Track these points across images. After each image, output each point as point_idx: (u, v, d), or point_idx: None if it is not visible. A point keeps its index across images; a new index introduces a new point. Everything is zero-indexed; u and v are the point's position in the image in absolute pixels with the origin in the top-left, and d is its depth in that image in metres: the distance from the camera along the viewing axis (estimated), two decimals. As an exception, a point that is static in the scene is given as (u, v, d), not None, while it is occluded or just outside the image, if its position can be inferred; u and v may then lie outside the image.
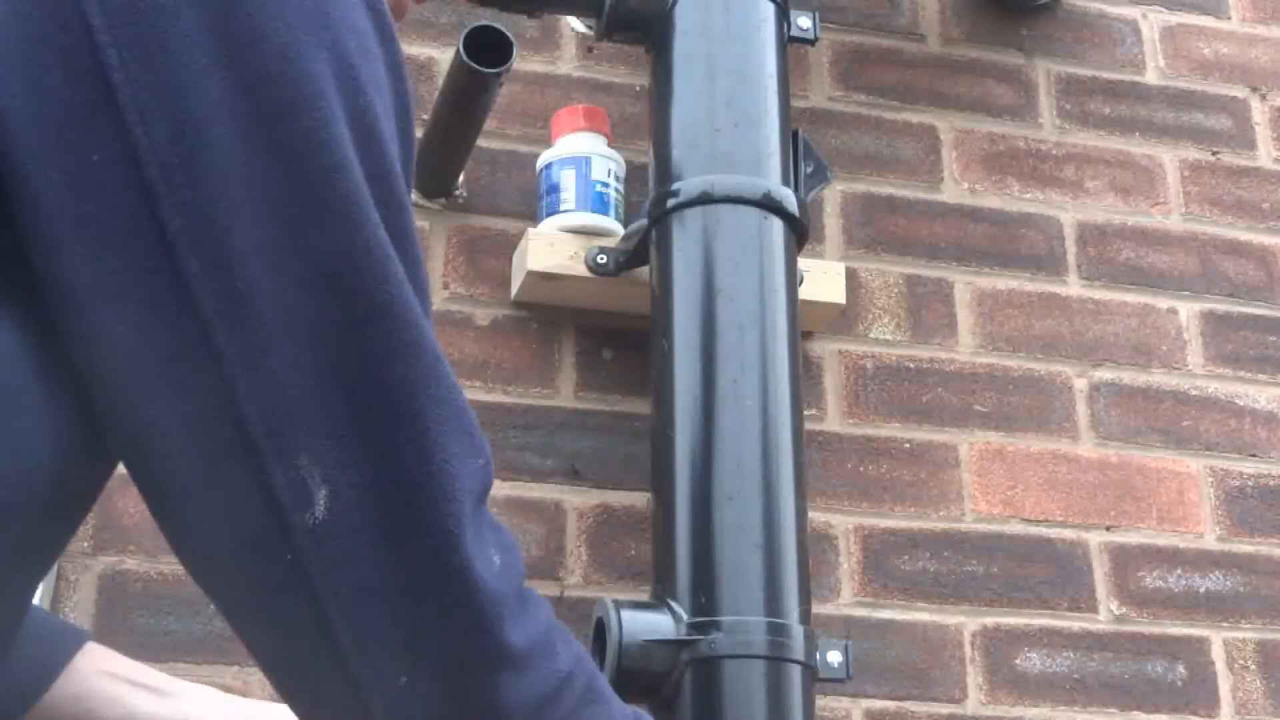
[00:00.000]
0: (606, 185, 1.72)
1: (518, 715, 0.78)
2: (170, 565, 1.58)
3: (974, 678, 1.74)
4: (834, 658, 1.48)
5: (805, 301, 1.68)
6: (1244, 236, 2.05)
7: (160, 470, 0.73)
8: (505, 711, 0.78)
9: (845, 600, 1.74)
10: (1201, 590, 1.84)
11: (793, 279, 1.58)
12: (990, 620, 1.77)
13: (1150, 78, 2.11)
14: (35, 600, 1.44)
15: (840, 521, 1.77)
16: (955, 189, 1.97)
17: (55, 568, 1.52)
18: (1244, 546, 1.88)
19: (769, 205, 1.57)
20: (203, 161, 0.68)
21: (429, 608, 0.74)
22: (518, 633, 0.77)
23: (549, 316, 1.77)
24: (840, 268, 1.81)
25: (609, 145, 1.75)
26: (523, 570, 0.80)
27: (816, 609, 1.58)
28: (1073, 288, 1.96)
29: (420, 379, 0.74)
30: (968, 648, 1.75)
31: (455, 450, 0.75)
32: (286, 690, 0.80)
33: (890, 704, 1.70)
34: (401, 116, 0.77)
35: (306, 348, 0.70)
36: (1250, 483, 1.91)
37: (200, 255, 0.68)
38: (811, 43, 1.74)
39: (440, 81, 1.72)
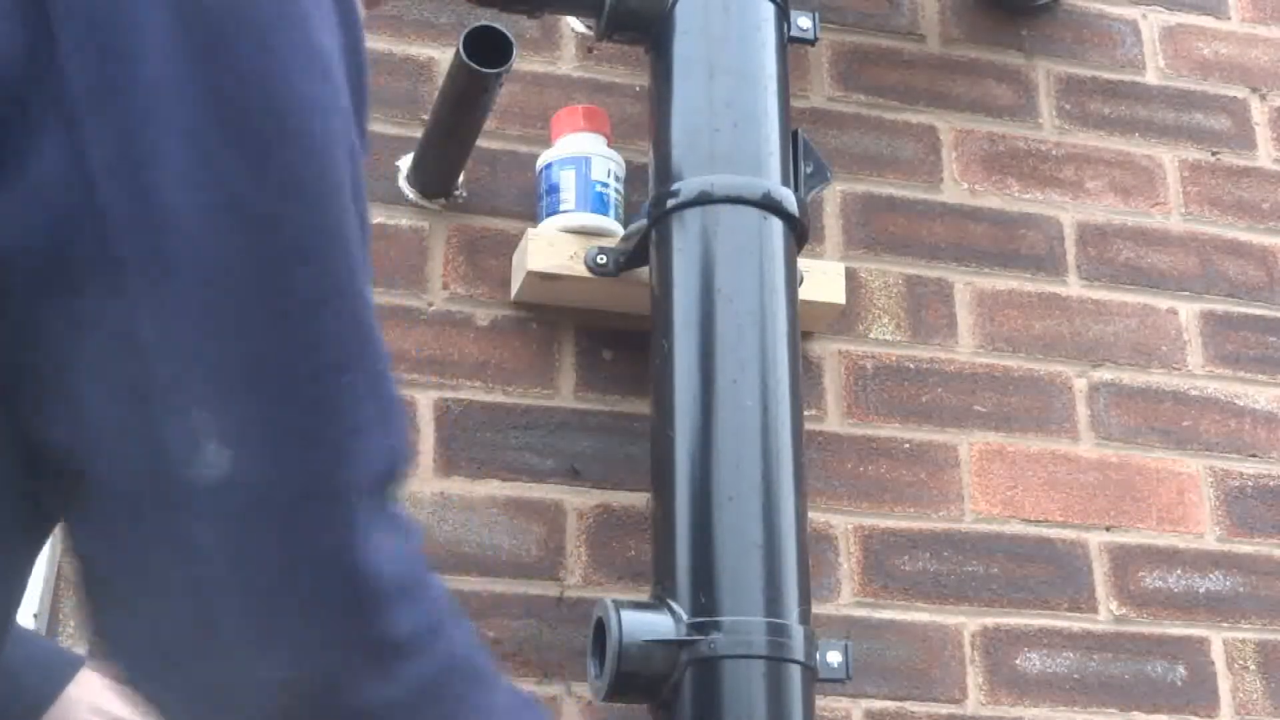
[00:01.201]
0: (606, 185, 1.72)
1: (404, 702, 0.73)
2: (170, 565, 1.58)
3: (974, 678, 1.74)
4: (834, 658, 1.48)
5: (805, 301, 1.68)
6: (1244, 237, 2.05)
7: (60, 416, 0.68)
8: (390, 699, 0.73)
9: (845, 600, 1.74)
10: (1201, 590, 1.84)
11: (793, 279, 1.58)
12: (990, 620, 1.77)
13: (1150, 78, 2.11)
14: (35, 604, 1.44)
15: (840, 521, 1.77)
16: (955, 189, 1.97)
17: (56, 569, 1.52)
18: (1244, 547, 1.88)
19: (769, 205, 1.57)
20: (130, 89, 0.66)
21: (312, 587, 0.69)
22: (406, 618, 0.72)
23: (549, 317, 1.77)
24: (840, 268, 1.81)
25: (609, 145, 1.75)
26: (419, 558, 0.75)
27: (816, 609, 1.58)
28: (1073, 288, 1.96)
29: (338, 336, 0.70)
30: (968, 648, 1.75)
31: (362, 422, 0.70)
32: (148, 676, 0.73)
33: (890, 704, 1.70)
34: (353, 66, 0.73)
35: (218, 290, 0.67)
36: (1250, 483, 1.91)
37: (117, 188, 0.65)
38: (811, 43, 1.74)
39: (440, 82, 1.72)
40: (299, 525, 0.69)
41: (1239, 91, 2.14)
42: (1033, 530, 1.82)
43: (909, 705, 1.71)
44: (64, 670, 0.96)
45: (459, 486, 1.67)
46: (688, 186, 1.57)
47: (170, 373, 0.66)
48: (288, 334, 0.69)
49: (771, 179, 1.58)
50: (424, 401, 1.70)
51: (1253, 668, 1.82)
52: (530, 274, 1.70)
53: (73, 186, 0.66)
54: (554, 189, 1.72)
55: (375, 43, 1.84)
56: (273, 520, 0.68)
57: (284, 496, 0.68)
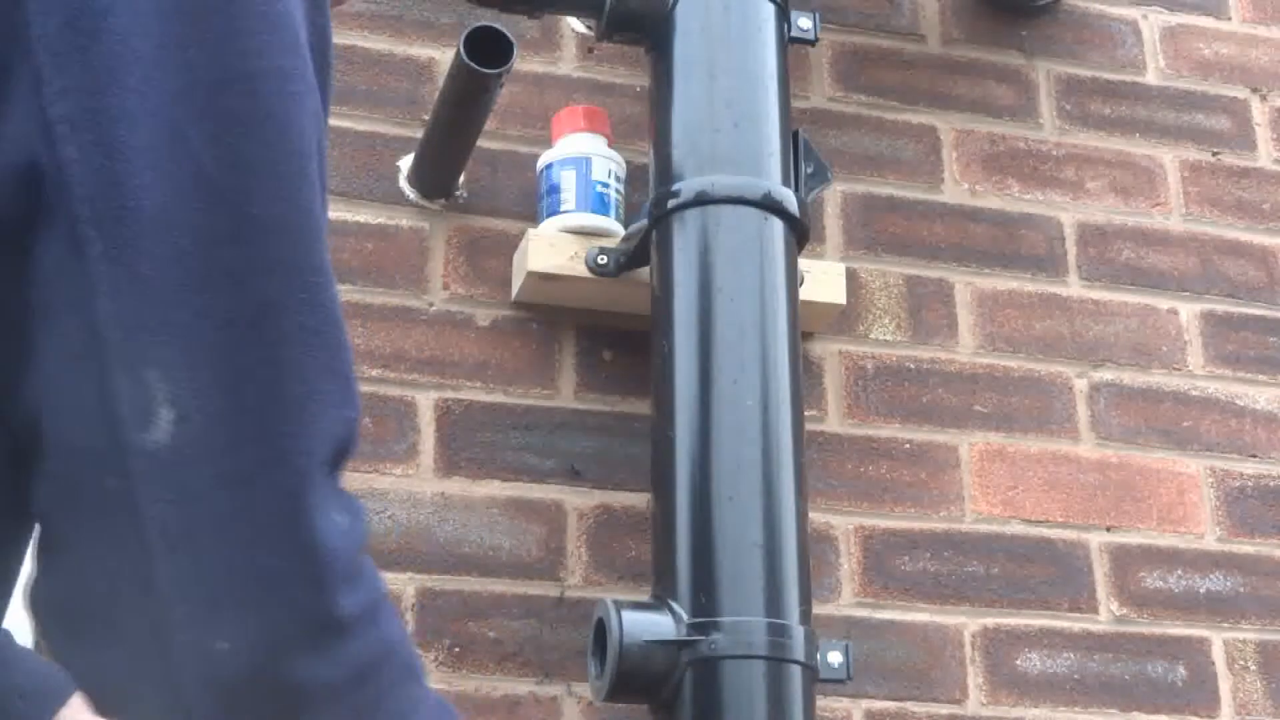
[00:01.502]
0: (607, 186, 1.72)
1: (340, 682, 0.72)
2: (170, 566, 1.58)
3: (974, 678, 1.74)
4: (834, 658, 1.48)
5: (805, 302, 1.68)
6: (1244, 237, 2.05)
7: (24, 383, 0.68)
8: (327, 678, 0.71)
9: (845, 601, 1.74)
10: (1202, 591, 1.84)
11: (793, 279, 1.58)
12: (991, 621, 1.77)
13: (1150, 78, 2.11)
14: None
15: (840, 522, 1.77)
16: (955, 189, 1.97)
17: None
18: (1244, 547, 1.88)
19: (769, 206, 1.57)
20: (97, 45, 0.66)
21: (263, 557, 0.68)
22: (350, 598, 0.71)
23: (549, 317, 1.77)
24: (840, 268, 1.81)
25: (609, 146, 1.75)
26: (365, 538, 0.74)
27: (817, 609, 1.58)
28: (1073, 288, 1.96)
29: (295, 303, 0.69)
30: (968, 648, 1.75)
31: (320, 390, 0.70)
32: (88, 644, 0.72)
33: (891, 704, 1.70)
34: (316, 30, 0.73)
35: (176, 251, 0.66)
36: (1250, 483, 1.91)
37: (79, 142, 0.65)
38: (812, 43, 1.74)
39: (440, 82, 1.72)
40: (254, 493, 0.67)
41: (1239, 92, 2.14)
42: (1033, 530, 1.82)
43: (909, 706, 1.71)
44: (52, 697, 0.93)
45: (459, 486, 1.67)
46: (688, 187, 1.57)
47: (125, 334, 0.66)
48: (245, 300, 0.68)
49: (772, 179, 1.58)
50: (424, 402, 1.70)
51: (1253, 668, 1.82)
52: (531, 274, 1.70)
53: (34, 139, 0.66)
54: (554, 189, 1.72)
55: (376, 43, 1.84)
56: (227, 487, 0.67)
57: (239, 463, 0.67)
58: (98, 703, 0.72)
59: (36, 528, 0.79)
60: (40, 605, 0.72)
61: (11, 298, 0.67)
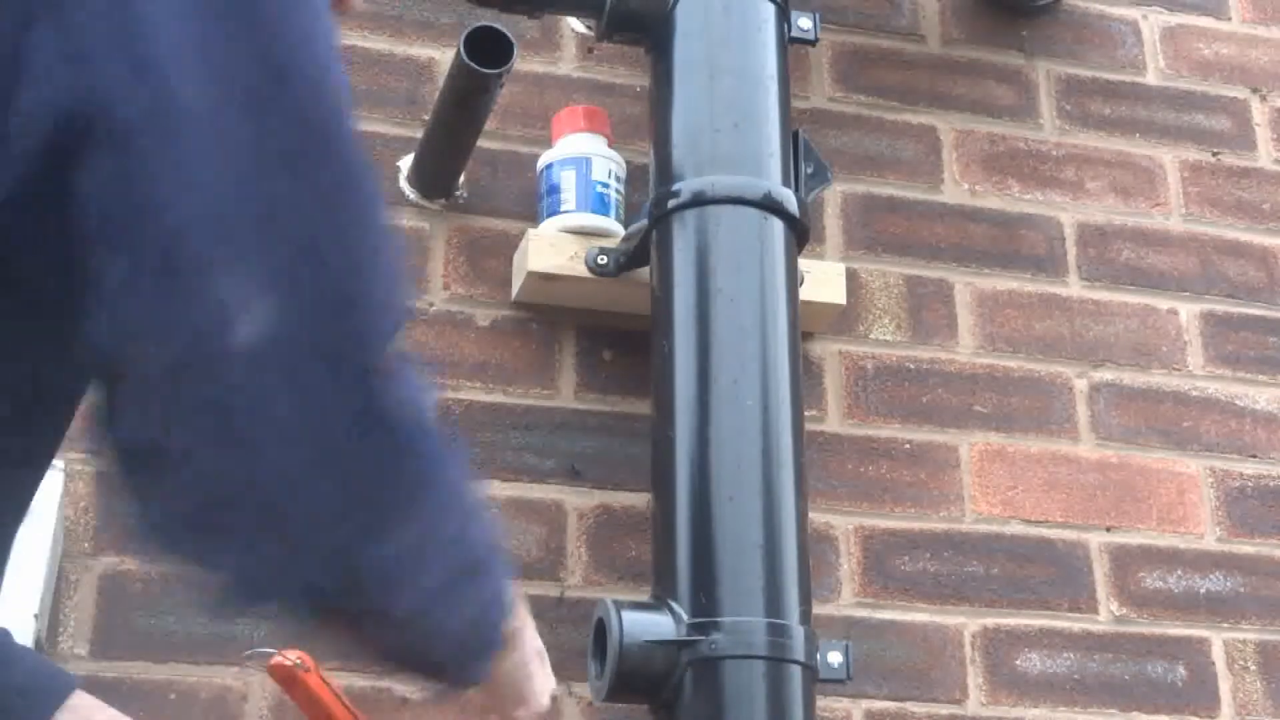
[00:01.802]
0: (607, 186, 1.72)
1: (402, 557, 0.77)
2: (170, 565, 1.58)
3: (974, 678, 1.74)
4: (834, 658, 1.48)
5: (805, 302, 1.68)
6: (1244, 237, 2.05)
7: (93, 308, 0.69)
8: (396, 553, 0.77)
9: (845, 601, 1.74)
10: (1201, 591, 1.84)
11: (793, 280, 1.59)
12: (990, 621, 1.77)
13: (1150, 78, 2.11)
14: (35, 604, 1.44)
15: (840, 522, 1.77)
16: (955, 190, 1.97)
17: (56, 569, 1.52)
18: (1244, 547, 1.88)
19: (769, 206, 1.57)
20: None
21: (357, 441, 0.72)
22: (450, 469, 0.78)
23: (549, 317, 1.77)
24: (840, 268, 1.81)
25: (609, 146, 1.75)
26: (433, 411, 0.80)
27: (817, 609, 1.58)
28: (1073, 288, 1.96)
29: (346, 187, 0.72)
30: (968, 648, 1.75)
31: (380, 273, 0.73)
32: (198, 549, 0.75)
33: (891, 704, 1.70)
34: None
35: (238, 162, 0.67)
36: (1250, 484, 1.91)
37: (114, 62, 0.66)
38: (812, 43, 1.74)
39: (441, 82, 1.72)
40: (331, 377, 0.70)
41: (1239, 92, 2.14)
42: (1033, 531, 1.82)
43: (909, 706, 1.71)
44: (53, 696, 0.93)
45: (459, 487, 1.67)
46: (688, 187, 1.57)
47: (191, 238, 0.67)
48: (299, 185, 0.69)
49: (772, 179, 1.58)
50: (424, 402, 1.69)
51: (1253, 668, 1.82)
52: (531, 274, 1.70)
53: (68, 67, 0.66)
54: (554, 189, 1.72)
55: (376, 43, 1.84)
56: (310, 374, 0.69)
57: (316, 350, 0.70)
58: (219, 597, 0.76)
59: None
60: (158, 528, 0.76)
61: (61, 233, 0.67)
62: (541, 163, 1.75)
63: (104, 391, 0.73)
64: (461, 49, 1.58)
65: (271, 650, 1.01)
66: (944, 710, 1.71)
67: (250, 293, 0.68)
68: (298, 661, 1.00)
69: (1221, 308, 2.00)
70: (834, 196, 1.91)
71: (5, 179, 0.67)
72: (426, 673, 0.93)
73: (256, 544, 0.73)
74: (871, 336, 1.87)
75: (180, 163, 0.67)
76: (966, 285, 1.92)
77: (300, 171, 0.70)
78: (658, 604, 1.45)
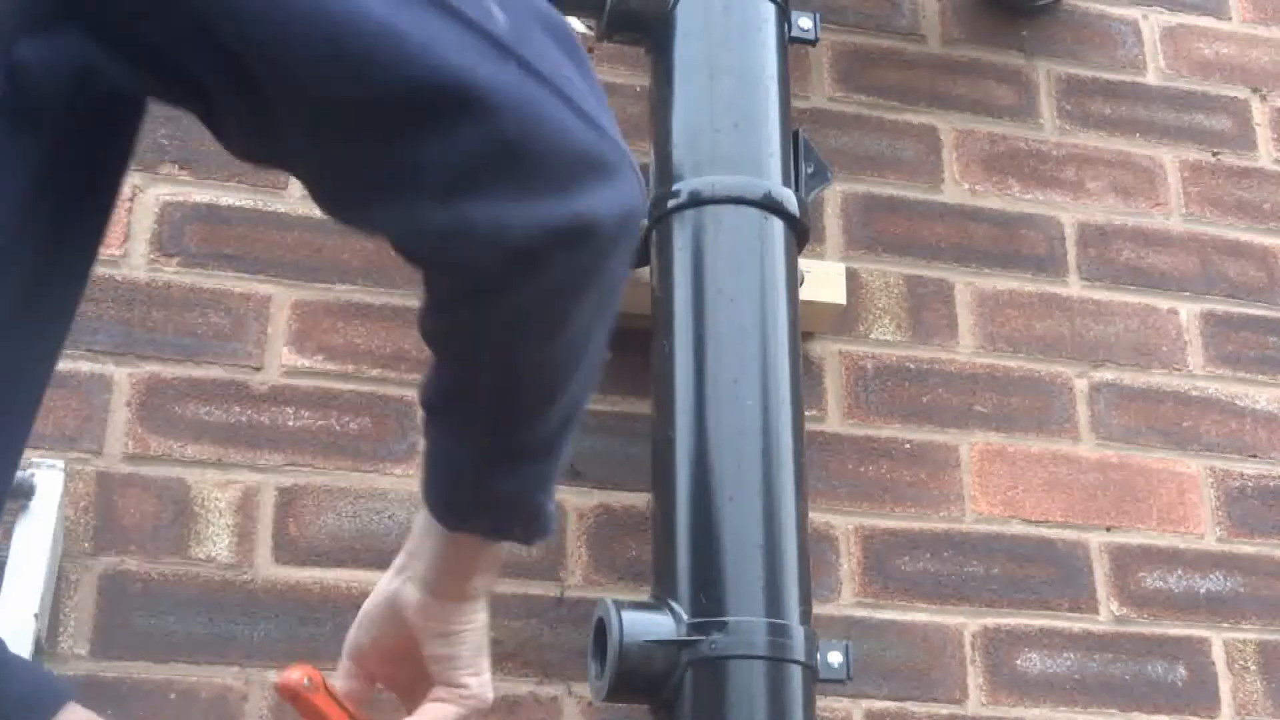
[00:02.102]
0: (607, 186, 1.72)
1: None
2: (170, 565, 1.58)
3: (974, 678, 1.74)
4: (834, 658, 1.48)
5: (806, 302, 1.68)
6: (1244, 237, 2.05)
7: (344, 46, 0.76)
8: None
9: (846, 601, 1.74)
10: (1202, 591, 1.84)
11: (793, 280, 1.59)
12: (991, 621, 1.77)
13: (1151, 78, 2.11)
14: (35, 604, 1.44)
15: (841, 522, 1.77)
16: (956, 190, 1.97)
17: (56, 569, 1.52)
18: (1244, 547, 1.88)
19: (769, 206, 1.57)
20: None
21: (589, 68, 0.84)
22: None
23: (549, 317, 1.76)
24: (841, 268, 1.81)
25: (609, 146, 1.75)
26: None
27: (817, 609, 1.58)
28: (1073, 288, 1.96)
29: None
30: (968, 648, 1.75)
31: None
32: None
33: (891, 704, 1.70)
34: None
35: None
36: (1250, 483, 1.91)
37: None
38: (812, 43, 1.75)
39: (441, 82, 1.72)
40: (563, 29, 0.82)
41: (1240, 92, 2.14)
42: (1033, 531, 1.82)
43: (909, 705, 1.71)
44: (45, 706, 0.92)
45: (459, 487, 1.66)
46: (688, 187, 1.57)
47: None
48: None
49: (772, 179, 1.59)
50: (424, 402, 1.70)
51: (1253, 668, 1.82)
52: (531, 274, 1.70)
53: None
54: (555, 189, 1.72)
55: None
56: (553, 34, 0.81)
57: (537, 8, 0.81)
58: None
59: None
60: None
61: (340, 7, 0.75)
62: (542, 163, 1.75)
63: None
64: (462, 49, 1.58)
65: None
66: (944, 710, 1.71)
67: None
68: (306, 681, 1.00)
69: (1222, 308, 2.00)
70: (834, 196, 1.91)
71: None
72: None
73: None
74: (872, 336, 1.87)
75: None
76: (967, 285, 1.92)
77: None
78: (658, 604, 1.45)
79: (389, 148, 0.77)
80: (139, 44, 0.77)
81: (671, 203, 1.57)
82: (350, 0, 0.75)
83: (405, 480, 1.66)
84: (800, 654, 1.42)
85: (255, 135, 0.81)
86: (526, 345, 0.88)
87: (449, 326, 0.88)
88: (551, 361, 0.90)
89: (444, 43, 0.76)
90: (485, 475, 0.96)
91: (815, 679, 1.45)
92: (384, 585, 1.06)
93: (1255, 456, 1.93)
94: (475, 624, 1.04)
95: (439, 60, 0.76)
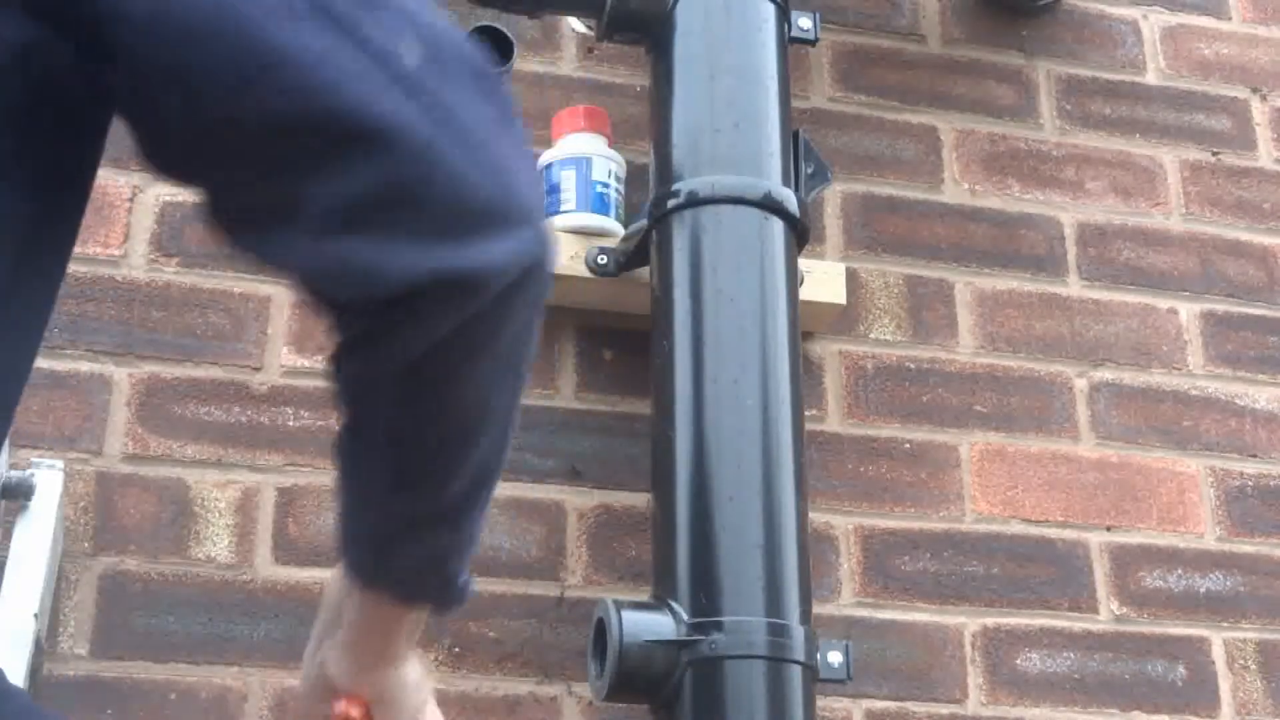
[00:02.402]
0: (607, 186, 1.72)
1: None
2: (170, 565, 1.58)
3: (974, 678, 1.74)
4: (834, 658, 1.48)
5: (806, 302, 1.68)
6: (1244, 237, 2.05)
7: (278, 79, 0.74)
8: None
9: (846, 601, 1.74)
10: (1202, 590, 1.84)
11: (793, 279, 1.59)
12: (991, 621, 1.77)
13: (1151, 78, 2.11)
14: (35, 603, 1.44)
15: (840, 522, 1.77)
16: (956, 189, 1.97)
17: (56, 569, 1.52)
18: (1244, 547, 1.88)
19: (769, 206, 1.57)
20: None
21: (510, 112, 0.81)
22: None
23: (549, 317, 1.74)
24: (841, 268, 1.81)
25: (609, 146, 1.75)
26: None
27: (817, 609, 1.58)
28: (1073, 288, 1.96)
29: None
30: (968, 648, 1.75)
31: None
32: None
33: (891, 704, 1.70)
34: None
35: None
36: (1250, 483, 1.91)
37: None
38: (812, 43, 1.75)
39: (441, 82, 1.72)
40: (483, 70, 0.79)
41: (1239, 92, 2.14)
42: (1033, 530, 1.82)
43: (909, 705, 1.71)
44: None
45: (459, 487, 1.66)
46: (688, 187, 1.57)
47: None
48: None
49: (772, 179, 1.59)
50: (424, 402, 1.69)
51: (1253, 668, 1.82)
52: (531, 274, 1.70)
53: None
54: (555, 189, 1.72)
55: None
56: (469, 72, 0.78)
57: (457, 46, 0.78)
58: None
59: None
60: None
61: (237, 27, 0.73)
62: (541, 162, 1.75)
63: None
64: (461, 49, 1.58)
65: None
66: (944, 710, 1.71)
67: (405, 24, 0.76)
68: (357, 715, 1.00)
69: (1221, 307, 2.00)
70: (834, 196, 1.91)
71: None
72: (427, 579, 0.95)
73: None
74: (871, 336, 1.87)
75: None
76: (967, 285, 1.92)
77: None
78: (658, 604, 1.45)
79: (279, 176, 0.74)
80: (70, 28, 0.75)
81: (671, 203, 1.57)
82: (251, 17, 0.72)
83: (405, 480, 1.65)
84: (800, 654, 1.42)
85: (159, 145, 0.78)
86: (416, 404, 0.84)
87: (343, 376, 0.84)
88: (447, 424, 0.85)
89: (347, 73, 0.73)
90: (388, 538, 0.93)
91: (815, 679, 1.45)
92: (309, 656, 1.04)
93: (1255, 456, 1.93)
94: (407, 684, 1.02)
95: (337, 91, 0.73)
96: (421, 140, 0.74)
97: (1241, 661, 1.82)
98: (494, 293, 0.78)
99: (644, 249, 1.63)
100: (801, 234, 1.62)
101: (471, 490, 0.90)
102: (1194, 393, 1.94)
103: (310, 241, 0.75)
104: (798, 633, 1.42)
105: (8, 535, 1.48)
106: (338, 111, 0.73)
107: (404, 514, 0.91)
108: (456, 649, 1.61)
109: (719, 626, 1.40)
